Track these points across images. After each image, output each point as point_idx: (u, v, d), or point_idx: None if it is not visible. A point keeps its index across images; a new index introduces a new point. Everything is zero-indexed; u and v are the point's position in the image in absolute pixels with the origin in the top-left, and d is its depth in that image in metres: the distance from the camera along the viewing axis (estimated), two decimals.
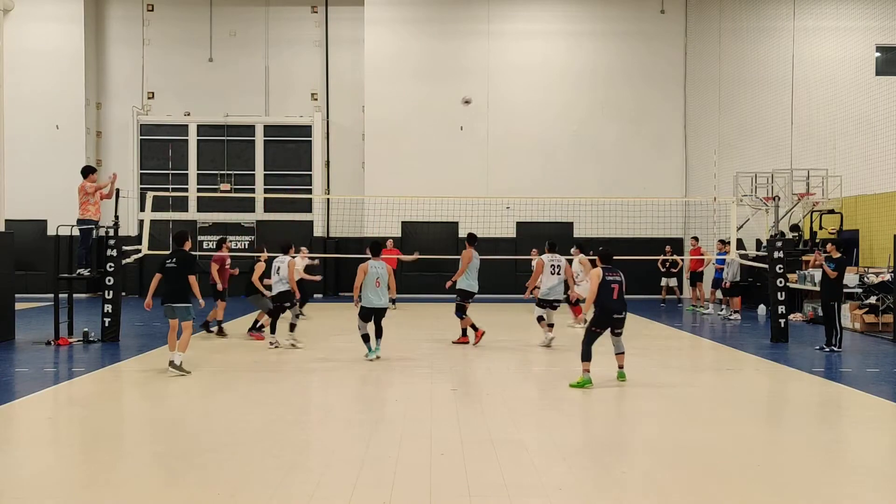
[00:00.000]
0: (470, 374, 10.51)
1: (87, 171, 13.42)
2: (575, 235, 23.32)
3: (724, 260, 17.97)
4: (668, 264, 21.20)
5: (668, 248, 21.26)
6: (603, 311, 9.59)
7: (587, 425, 7.57)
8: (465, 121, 24.81)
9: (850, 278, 16.75)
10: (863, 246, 19.90)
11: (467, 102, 22.45)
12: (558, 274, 13.05)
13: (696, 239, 20.51)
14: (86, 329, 13.36)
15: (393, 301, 14.38)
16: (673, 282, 21.46)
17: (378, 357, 11.43)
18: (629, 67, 25.07)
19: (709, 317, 18.61)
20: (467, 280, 13.08)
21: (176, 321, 10.49)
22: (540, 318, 13.23)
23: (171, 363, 10.23)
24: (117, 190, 14.10)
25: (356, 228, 23.73)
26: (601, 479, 5.85)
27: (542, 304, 13.15)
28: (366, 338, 11.51)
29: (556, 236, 25.24)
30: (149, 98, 25.52)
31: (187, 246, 10.71)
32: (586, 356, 9.59)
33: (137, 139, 25.04)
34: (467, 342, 13.18)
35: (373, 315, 11.45)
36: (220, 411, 8.30)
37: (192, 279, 10.38)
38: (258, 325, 14.03)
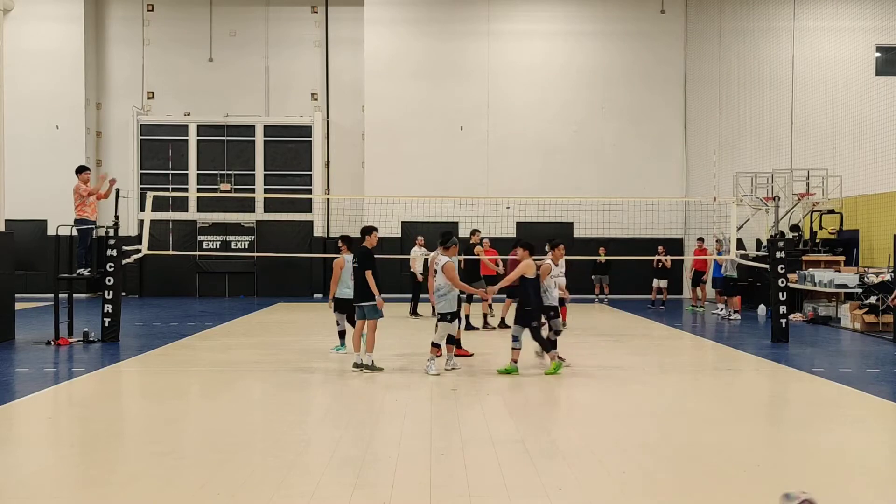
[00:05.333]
0: (470, 375, 10.49)
1: (80, 170, 13.60)
2: (575, 235, 23.35)
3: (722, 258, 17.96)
4: (660, 265, 21.04)
5: (661, 248, 21.12)
6: None
7: (587, 425, 7.57)
8: (465, 121, 24.83)
9: (851, 278, 16.78)
10: (863, 246, 19.90)
11: None
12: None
13: (701, 240, 20.47)
14: (86, 329, 13.36)
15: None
16: (663, 283, 21.27)
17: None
18: (629, 67, 25.08)
19: (716, 316, 18.49)
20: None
21: (363, 322, 10.48)
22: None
23: (356, 364, 10.35)
24: (117, 190, 14.16)
25: (356, 228, 23.57)
26: (601, 479, 5.84)
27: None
28: (342, 334, 12.22)
29: (556, 236, 25.38)
30: (149, 98, 25.52)
31: (368, 241, 10.56)
32: None
33: (137, 139, 25.04)
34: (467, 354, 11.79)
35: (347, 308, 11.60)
36: (220, 411, 8.30)
37: (369, 274, 10.18)
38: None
